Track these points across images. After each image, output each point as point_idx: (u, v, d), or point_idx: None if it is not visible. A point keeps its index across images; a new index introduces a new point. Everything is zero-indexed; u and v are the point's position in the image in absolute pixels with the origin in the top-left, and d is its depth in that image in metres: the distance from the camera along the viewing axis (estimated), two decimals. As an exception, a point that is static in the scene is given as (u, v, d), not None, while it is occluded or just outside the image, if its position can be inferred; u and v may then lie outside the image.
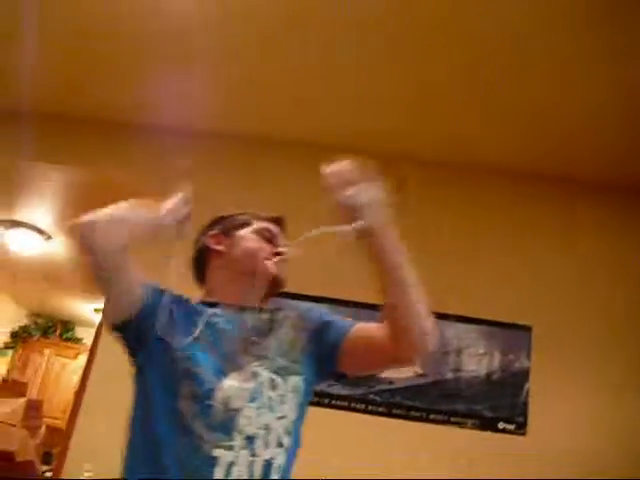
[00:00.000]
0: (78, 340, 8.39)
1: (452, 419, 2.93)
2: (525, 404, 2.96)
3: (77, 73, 3.25)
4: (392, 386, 2.98)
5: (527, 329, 3.08)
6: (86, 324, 8.05)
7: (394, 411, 2.94)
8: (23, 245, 5.07)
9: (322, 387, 2.98)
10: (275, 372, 1.27)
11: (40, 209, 4.56)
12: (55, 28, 2.91)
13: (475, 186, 3.42)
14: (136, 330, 1.29)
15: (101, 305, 3.83)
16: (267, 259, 1.45)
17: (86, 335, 8.02)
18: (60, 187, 3.99)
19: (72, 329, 8.50)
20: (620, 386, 3.01)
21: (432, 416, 2.94)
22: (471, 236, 3.31)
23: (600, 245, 3.29)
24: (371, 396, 2.97)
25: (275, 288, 1.47)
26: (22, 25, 2.91)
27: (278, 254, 1.47)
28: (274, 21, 2.68)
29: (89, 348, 3.70)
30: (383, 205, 1.21)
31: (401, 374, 3.00)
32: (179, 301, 1.36)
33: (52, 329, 8.35)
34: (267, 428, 1.21)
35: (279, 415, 1.23)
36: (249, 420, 1.20)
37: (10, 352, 8.09)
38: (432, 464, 2.87)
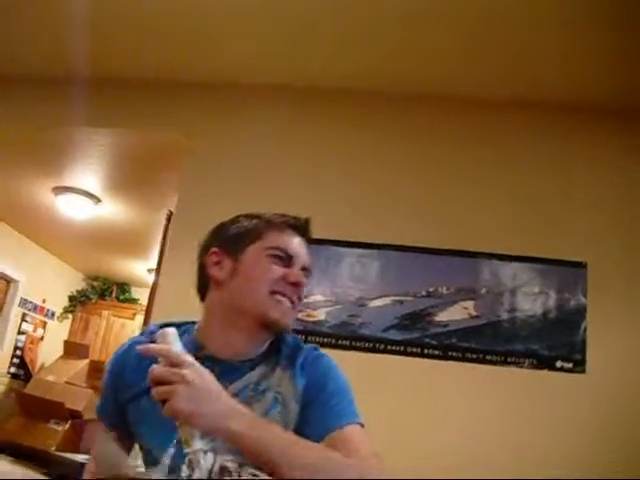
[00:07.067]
0: (134, 301, 8.60)
1: (509, 359, 2.91)
2: (583, 341, 2.91)
3: (122, 36, 3.22)
4: (447, 328, 2.97)
5: (582, 266, 3.01)
6: (141, 284, 8.22)
7: (450, 353, 2.94)
8: (74, 210, 5.17)
9: (376, 333, 2.99)
10: None
11: (89, 173, 4.62)
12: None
13: (529, 125, 3.32)
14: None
15: (154, 265, 3.88)
16: (274, 293, 1.20)
17: (142, 296, 8.21)
18: (108, 150, 4.02)
19: (128, 290, 8.71)
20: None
21: (488, 357, 2.92)
22: (523, 176, 3.23)
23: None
24: (426, 339, 2.96)
25: (273, 333, 1.23)
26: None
27: (294, 285, 1.21)
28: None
29: (145, 308, 3.77)
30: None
31: (455, 316, 2.99)
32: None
33: (109, 291, 8.55)
34: None
35: None
36: None
37: (70, 316, 8.35)
38: (490, 405, 2.87)
